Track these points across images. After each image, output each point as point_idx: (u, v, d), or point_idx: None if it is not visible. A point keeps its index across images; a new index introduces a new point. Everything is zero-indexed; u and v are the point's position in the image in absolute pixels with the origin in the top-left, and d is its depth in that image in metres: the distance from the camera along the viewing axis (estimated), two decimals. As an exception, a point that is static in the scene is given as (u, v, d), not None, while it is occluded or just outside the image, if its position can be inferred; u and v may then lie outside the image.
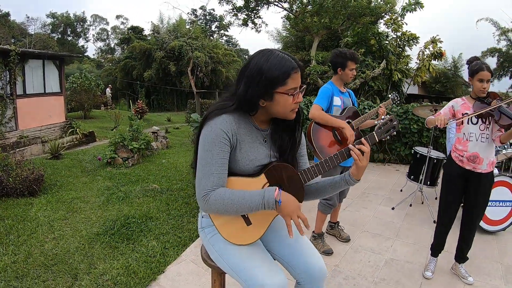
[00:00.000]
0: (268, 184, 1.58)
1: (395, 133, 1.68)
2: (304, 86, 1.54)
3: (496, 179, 3.65)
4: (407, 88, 12.17)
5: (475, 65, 2.68)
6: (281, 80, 1.43)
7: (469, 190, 2.82)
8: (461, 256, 3.01)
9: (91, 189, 5.32)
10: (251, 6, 13.07)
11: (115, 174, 6.17)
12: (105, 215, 4.22)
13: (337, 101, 3.16)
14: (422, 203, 4.75)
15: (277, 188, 1.46)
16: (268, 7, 12.95)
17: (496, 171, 3.67)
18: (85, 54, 47.36)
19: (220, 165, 1.47)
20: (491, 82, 2.72)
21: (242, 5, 13.18)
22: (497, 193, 3.78)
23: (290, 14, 12.81)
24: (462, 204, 2.95)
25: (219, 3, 13.46)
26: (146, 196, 4.96)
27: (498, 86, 23.43)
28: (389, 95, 3.50)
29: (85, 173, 6.40)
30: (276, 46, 25.87)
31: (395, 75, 11.15)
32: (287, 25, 17.17)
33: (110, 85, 25.15)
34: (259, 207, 1.43)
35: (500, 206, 3.87)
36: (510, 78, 19.87)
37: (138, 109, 17.53)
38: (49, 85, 11.22)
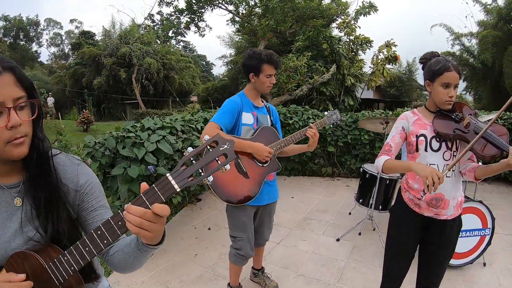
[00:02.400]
0: None
1: None
2: (32, 101, 0.92)
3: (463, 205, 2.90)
4: (361, 93, 11.82)
5: (437, 63, 1.83)
6: None
7: (427, 238, 1.99)
8: None
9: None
10: (194, 8, 12.13)
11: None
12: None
13: (247, 118, 2.32)
14: (374, 229, 3.99)
15: None
16: (212, 9, 12.09)
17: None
18: (38, 59, 46.09)
19: None
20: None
21: (184, 7, 12.23)
22: (464, 221, 3.04)
23: (235, 17, 12.02)
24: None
25: (158, 4, 12.57)
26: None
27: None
28: (325, 112, 2.66)
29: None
30: (229, 51, 25.19)
31: (348, 80, 10.77)
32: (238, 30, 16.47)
33: (50, 93, 23.28)
34: None
35: (468, 236, 3.14)
36: (463, 81, 19.96)
37: (83, 119, 16.59)
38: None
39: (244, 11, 11.92)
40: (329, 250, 3.58)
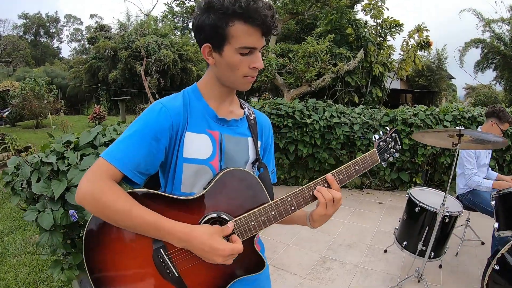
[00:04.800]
0: None
1: None
2: None
3: None
4: (390, 83, 10.50)
5: None
6: None
7: None
8: None
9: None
10: (200, -8, 10.89)
11: (19, 210, 4.80)
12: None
13: (196, 146, 1.05)
14: (419, 281, 2.78)
15: None
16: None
17: None
18: (59, 55, 46.62)
19: None
20: None
21: (189, -10, 11.06)
22: None
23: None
24: None
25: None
26: (24, 252, 3.50)
27: (481, 78, 22.56)
28: (375, 135, 1.27)
29: (-10, 207, 4.77)
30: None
31: (375, 68, 9.45)
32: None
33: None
34: None
35: None
36: (493, 70, 18.56)
37: (94, 115, 16.28)
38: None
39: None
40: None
